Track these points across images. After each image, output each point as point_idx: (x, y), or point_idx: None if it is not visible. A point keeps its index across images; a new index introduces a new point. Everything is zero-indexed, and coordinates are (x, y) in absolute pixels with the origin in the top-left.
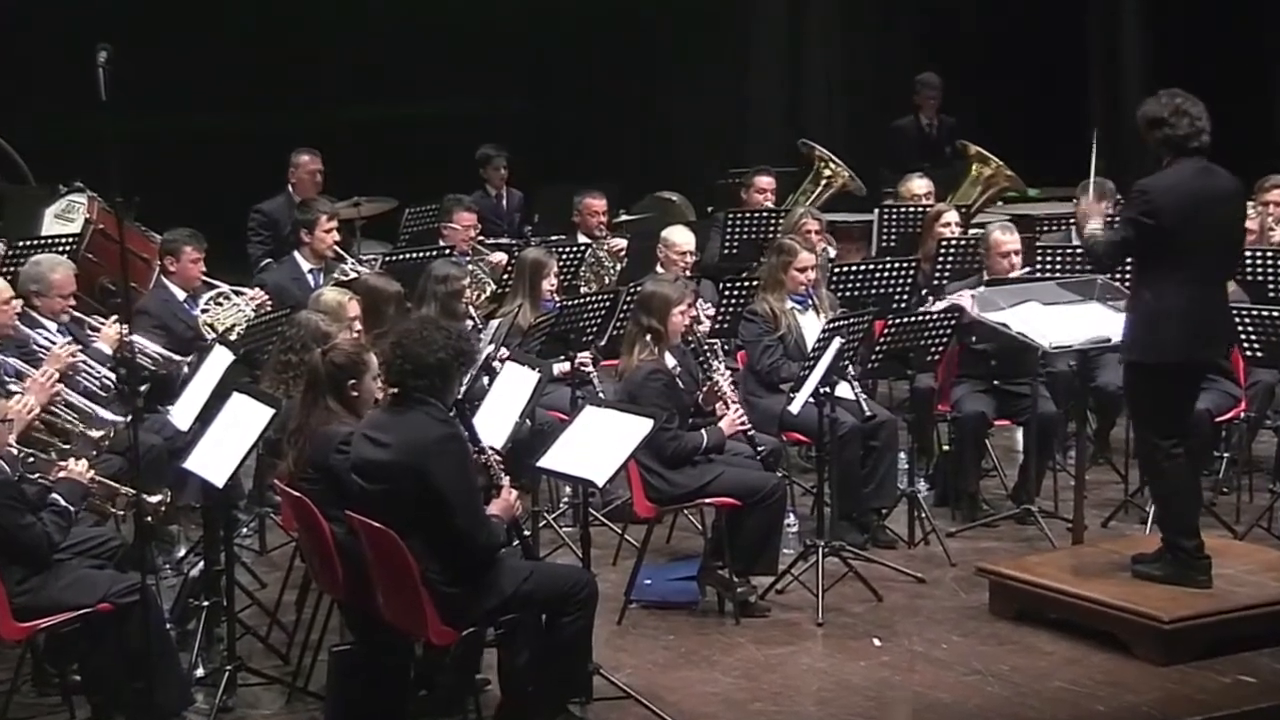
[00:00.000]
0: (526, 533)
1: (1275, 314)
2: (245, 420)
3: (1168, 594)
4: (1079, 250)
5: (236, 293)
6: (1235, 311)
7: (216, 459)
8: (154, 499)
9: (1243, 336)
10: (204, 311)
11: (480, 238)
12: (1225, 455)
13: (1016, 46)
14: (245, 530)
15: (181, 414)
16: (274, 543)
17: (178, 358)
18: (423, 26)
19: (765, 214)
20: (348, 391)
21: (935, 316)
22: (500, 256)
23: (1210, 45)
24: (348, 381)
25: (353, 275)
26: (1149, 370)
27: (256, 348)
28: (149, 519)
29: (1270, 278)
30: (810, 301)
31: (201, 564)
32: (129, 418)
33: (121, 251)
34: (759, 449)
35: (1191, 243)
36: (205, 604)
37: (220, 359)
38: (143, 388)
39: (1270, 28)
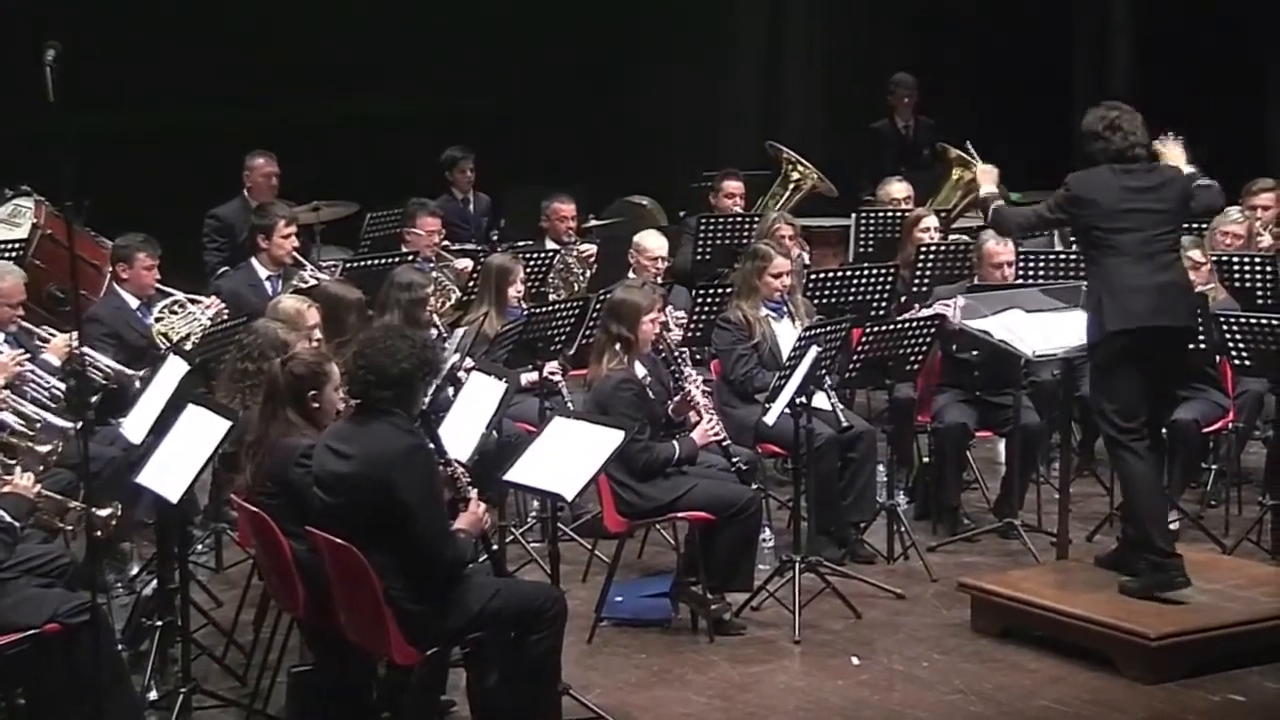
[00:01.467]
0: (496, 547)
1: (1264, 321)
2: (200, 433)
3: (1155, 610)
4: (1063, 255)
5: (191, 300)
6: (1223, 319)
7: (171, 473)
8: (104, 513)
9: (1231, 345)
10: (158, 320)
11: (445, 243)
12: (1213, 467)
13: (1000, 47)
14: (200, 547)
15: (134, 426)
16: (230, 560)
17: (129, 372)
18: (386, 21)
19: (738, 219)
20: (309, 403)
21: (914, 324)
22: (466, 263)
23: (1198, 49)
24: (308, 392)
25: (312, 282)
26: (1107, 343)
27: (212, 357)
28: (99, 534)
29: (1259, 284)
30: (785, 309)
31: (155, 582)
32: (78, 427)
33: (71, 258)
34: (735, 460)
35: (1123, 229)
36: (159, 624)
37: (174, 369)
38: (93, 399)
39: (1257, 32)
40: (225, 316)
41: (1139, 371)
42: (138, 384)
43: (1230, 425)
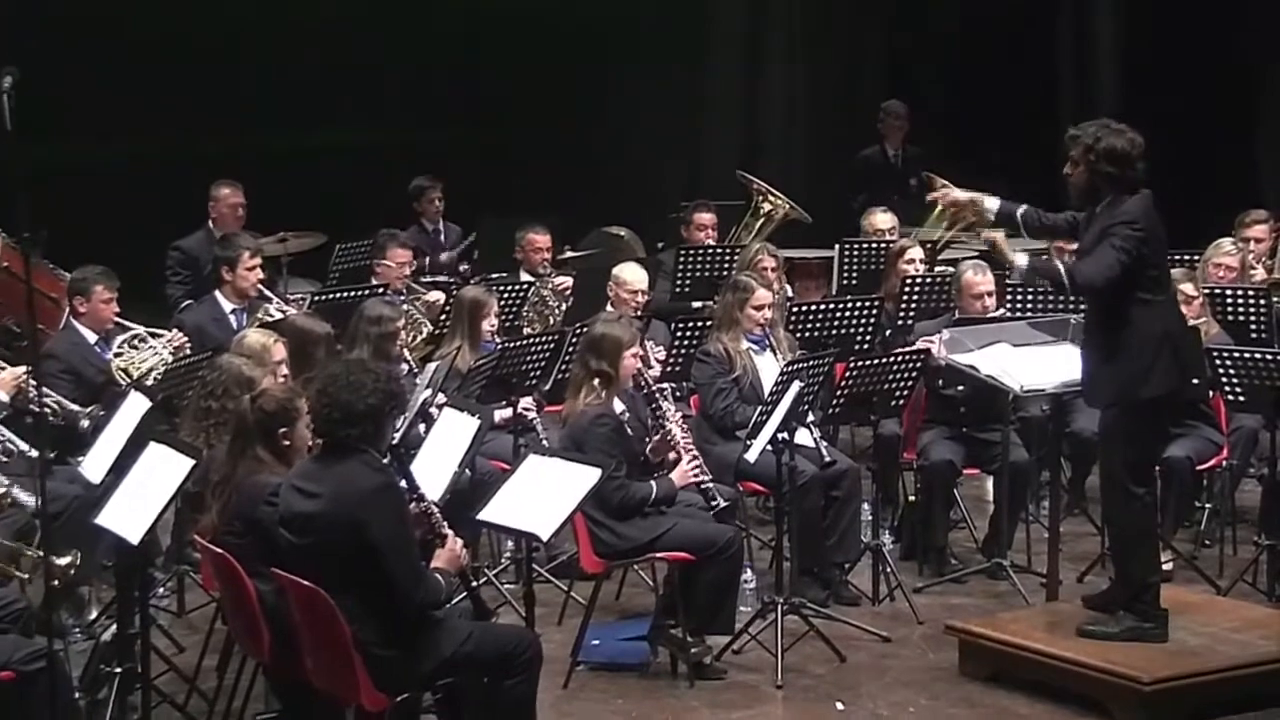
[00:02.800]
0: (476, 585)
1: (1258, 356)
2: (163, 472)
3: (1148, 653)
4: (1052, 288)
5: (153, 335)
6: (1217, 354)
7: (131, 514)
8: (63, 561)
9: (1224, 380)
10: (117, 355)
11: (416, 275)
12: (1207, 506)
13: (987, 76)
14: (162, 590)
15: (93, 466)
16: (193, 603)
17: (75, 408)
18: (355, 49)
19: (718, 250)
20: (279, 440)
21: (900, 359)
22: (438, 295)
23: (1184, 79)
24: (279, 429)
25: (278, 315)
26: (1141, 407)
27: (175, 394)
28: (57, 583)
29: (1252, 318)
30: (767, 342)
31: (114, 627)
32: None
33: (27, 291)
34: (714, 502)
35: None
36: (118, 670)
37: (135, 406)
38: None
39: (1246, 59)
40: (188, 351)
41: (1164, 435)
42: (84, 422)
43: (1224, 463)
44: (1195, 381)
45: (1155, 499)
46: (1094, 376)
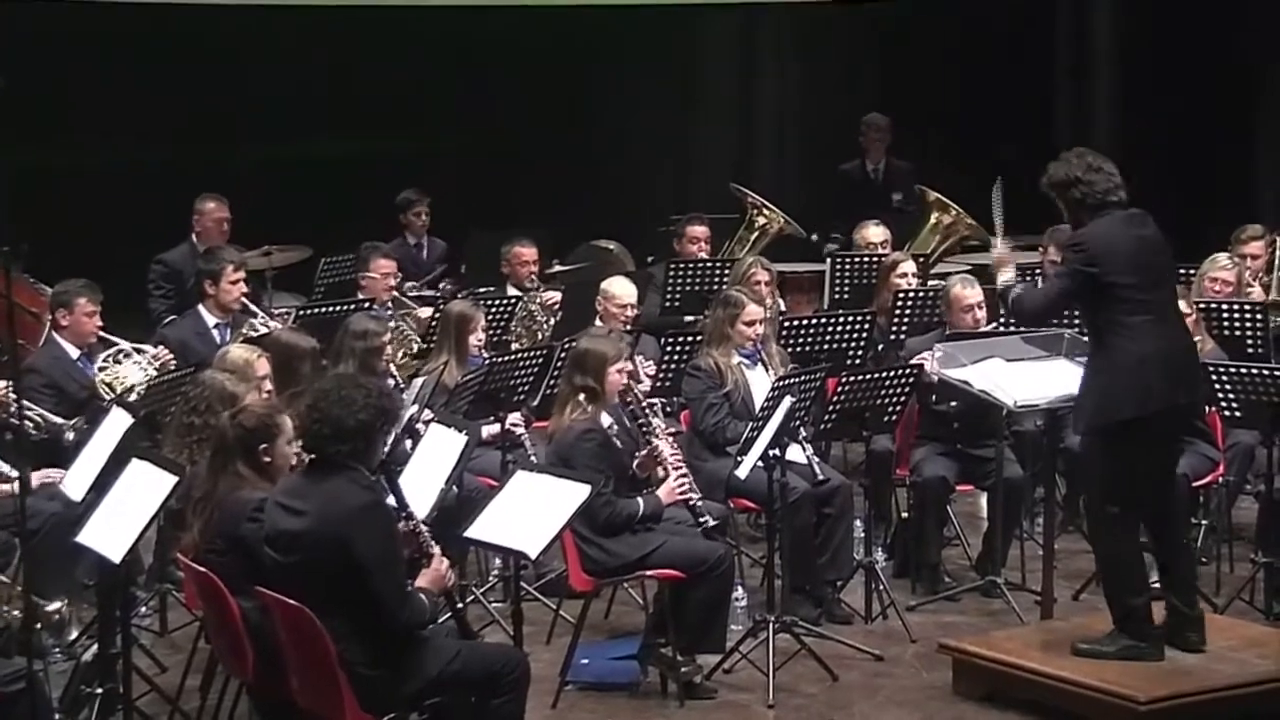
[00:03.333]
0: (461, 605)
1: (1255, 371)
2: (145, 489)
3: (1144, 672)
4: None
5: (136, 350)
6: (1213, 369)
7: (113, 531)
8: (51, 608)
9: (1220, 396)
10: (101, 370)
11: (402, 287)
12: (1203, 522)
13: (982, 88)
14: (144, 609)
15: (75, 483)
16: (176, 622)
17: (59, 420)
18: (341, 59)
19: (709, 264)
20: (260, 456)
21: (892, 374)
22: (429, 311)
23: (1183, 81)
24: (259, 446)
25: (263, 330)
26: (1123, 428)
27: (158, 409)
28: (40, 626)
29: (1248, 334)
30: (759, 357)
31: (95, 647)
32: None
33: (8, 305)
34: (701, 520)
35: (1142, 286)
36: (99, 691)
37: (118, 422)
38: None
39: (1243, 72)
40: (171, 366)
41: (1165, 453)
42: (69, 435)
43: (1220, 479)
44: (1184, 401)
45: (1137, 520)
46: (1077, 400)
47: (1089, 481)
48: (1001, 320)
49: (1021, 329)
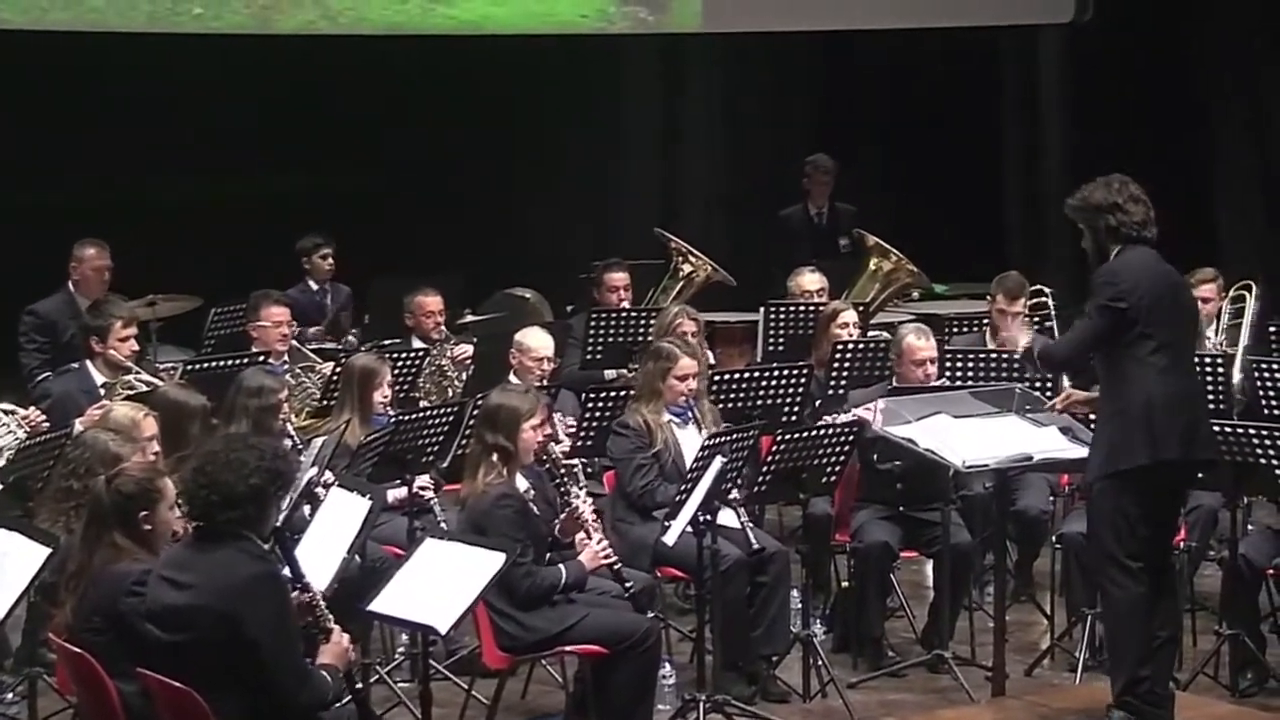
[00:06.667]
0: (360, 686)
1: (1215, 428)
2: (14, 562)
3: None
4: (994, 355)
5: (6, 411)
6: None
7: None
8: None
9: None
10: None
11: (306, 337)
12: None
13: (921, 124)
14: (11, 695)
15: None
16: (47, 709)
17: None
18: (233, 90)
19: (633, 314)
20: (139, 525)
21: (832, 431)
22: (329, 365)
23: (1136, 135)
24: (139, 513)
25: (140, 387)
26: (1138, 476)
27: (30, 474)
28: None
29: (1209, 385)
30: (691, 414)
31: None
32: None
33: None
34: (628, 585)
35: (1167, 327)
36: None
37: None
38: None
39: (1195, 111)
40: (45, 428)
41: (1170, 506)
42: None
43: (1182, 545)
44: (1200, 457)
45: (1148, 574)
46: (1102, 442)
47: (1096, 538)
48: (947, 375)
49: (969, 384)
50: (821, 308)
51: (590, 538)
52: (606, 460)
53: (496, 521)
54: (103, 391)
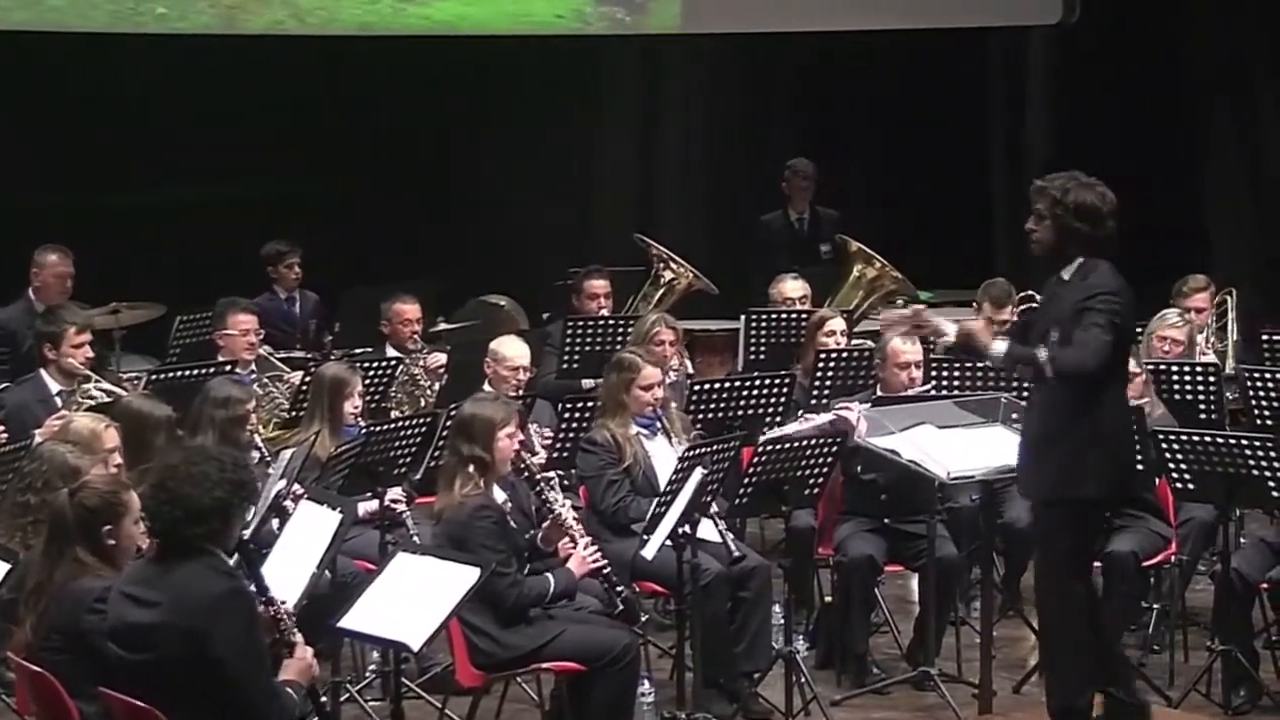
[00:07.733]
0: (325, 700)
1: (1208, 439)
2: None
3: None
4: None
5: None
6: (1163, 437)
7: None
8: None
9: (1171, 466)
10: None
11: (268, 348)
12: (1155, 606)
13: (908, 130)
14: None
15: None
16: None
17: None
18: (204, 98)
19: (611, 322)
20: (103, 540)
21: (815, 442)
22: (299, 374)
23: (1124, 137)
24: (102, 527)
25: (101, 397)
26: (1088, 505)
27: None
28: None
29: (1200, 397)
30: (659, 425)
31: None
32: None
33: None
34: (620, 590)
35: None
36: None
37: None
38: None
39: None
40: (3, 439)
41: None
42: None
43: (1174, 558)
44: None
45: (1094, 600)
46: (1053, 463)
47: (1046, 555)
48: (933, 384)
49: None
50: (807, 315)
51: (576, 543)
52: (578, 475)
53: (476, 533)
54: (59, 401)
